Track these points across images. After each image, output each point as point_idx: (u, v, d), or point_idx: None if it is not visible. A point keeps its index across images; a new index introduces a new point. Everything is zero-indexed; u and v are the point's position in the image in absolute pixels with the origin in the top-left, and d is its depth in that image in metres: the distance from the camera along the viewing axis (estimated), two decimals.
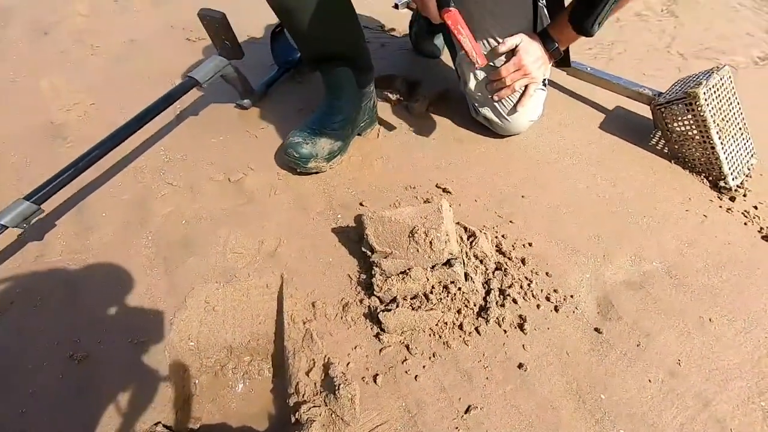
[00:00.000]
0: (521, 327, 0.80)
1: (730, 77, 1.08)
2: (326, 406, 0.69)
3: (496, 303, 0.82)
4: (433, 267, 0.79)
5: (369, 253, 0.84)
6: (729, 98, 1.07)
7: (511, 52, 1.00)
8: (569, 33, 0.96)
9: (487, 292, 0.83)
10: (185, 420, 0.73)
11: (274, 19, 1.24)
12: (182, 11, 1.70)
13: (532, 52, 0.99)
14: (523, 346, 0.78)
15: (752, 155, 1.11)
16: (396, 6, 1.67)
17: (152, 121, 1.10)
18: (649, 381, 0.74)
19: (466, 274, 0.83)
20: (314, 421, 0.66)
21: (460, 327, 0.79)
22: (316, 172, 1.07)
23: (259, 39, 1.57)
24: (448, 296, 0.80)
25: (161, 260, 0.90)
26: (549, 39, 1.00)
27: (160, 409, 0.72)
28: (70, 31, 1.62)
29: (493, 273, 0.87)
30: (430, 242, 0.79)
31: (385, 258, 0.81)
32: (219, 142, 1.17)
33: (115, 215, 0.99)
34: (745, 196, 1.05)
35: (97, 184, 1.05)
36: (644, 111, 1.22)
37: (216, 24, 1.07)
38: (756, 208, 1.03)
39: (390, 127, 1.21)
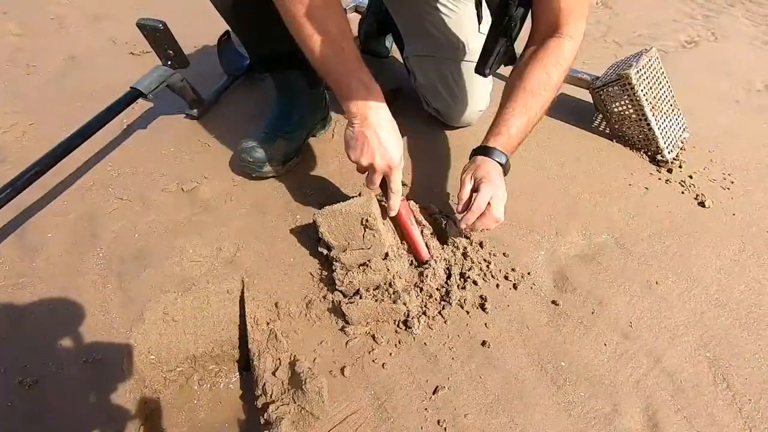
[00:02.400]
0: (482, 307, 0.82)
1: (657, 58, 1.16)
2: (295, 402, 0.68)
3: (458, 286, 0.84)
4: (386, 256, 0.80)
5: (327, 251, 0.85)
6: (658, 78, 1.15)
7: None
8: (510, 138, 0.86)
9: (448, 276, 0.85)
10: None
11: (219, 28, 1.24)
12: (124, 25, 1.65)
13: (495, 196, 0.82)
14: (486, 324, 0.80)
15: (684, 130, 1.19)
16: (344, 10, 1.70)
17: (98, 137, 1.07)
18: (605, 345, 0.77)
19: (426, 261, 0.85)
20: (283, 418, 0.66)
21: (424, 313, 0.80)
22: (273, 176, 1.06)
23: (206, 48, 1.55)
24: (412, 287, 0.82)
25: (114, 276, 0.87)
26: (498, 153, 0.85)
27: (120, 427, 0.69)
28: (2, 51, 1.54)
29: (454, 258, 0.89)
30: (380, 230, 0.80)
31: (344, 251, 0.81)
32: (170, 153, 1.14)
33: (61, 235, 0.95)
34: (680, 167, 1.13)
35: (40, 204, 1.00)
36: (585, 96, 1.29)
37: (157, 33, 1.05)
38: (691, 177, 1.10)
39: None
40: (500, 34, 0.85)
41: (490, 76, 1.14)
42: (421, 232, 0.88)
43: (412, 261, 0.87)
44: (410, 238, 0.87)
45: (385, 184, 0.82)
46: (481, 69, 0.92)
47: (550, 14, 0.84)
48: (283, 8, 0.73)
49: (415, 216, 0.89)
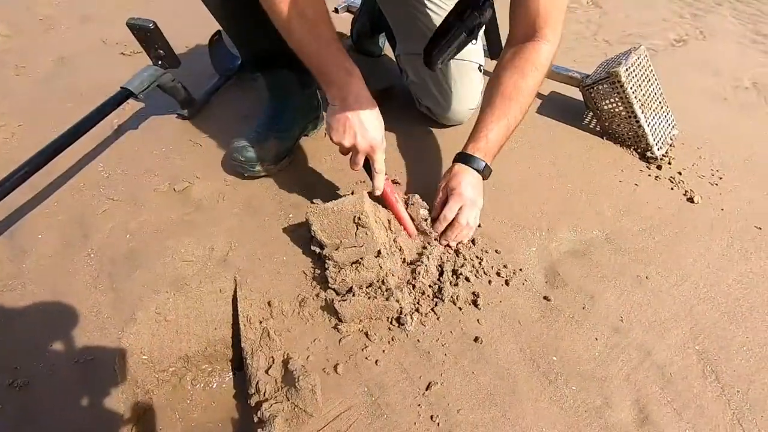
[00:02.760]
0: (475, 303, 0.82)
1: (646, 56, 1.17)
2: (288, 400, 0.68)
3: (450, 283, 0.84)
4: (378, 254, 0.80)
5: (319, 250, 0.85)
6: (647, 75, 1.16)
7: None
8: (489, 143, 0.89)
9: (441, 273, 0.86)
10: None
11: (210, 28, 1.23)
12: (114, 26, 1.64)
13: (464, 206, 0.87)
14: (478, 320, 0.80)
15: (673, 126, 1.20)
16: (336, 10, 1.70)
17: (89, 138, 1.07)
18: (596, 339, 0.78)
19: (419, 255, 0.85)
20: (276, 416, 0.66)
21: (417, 310, 0.81)
22: (265, 176, 1.06)
23: (198, 48, 1.54)
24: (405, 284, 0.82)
25: (106, 276, 0.87)
26: (475, 160, 0.88)
27: (113, 428, 0.68)
28: None
29: (446, 254, 0.89)
30: (373, 228, 0.80)
31: (336, 249, 0.81)
32: (161, 153, 1.14)
33: (52, 236, 0.94)
34: (670, 164, 1.14)
35: (30, 205, 1.00)
36: (576, 94, 1.30)
37: (147, 33, 1.04)
38: (680, 173, 1.11)
39: None
40: (465, 31, 0.83)
41: (481, 74, 1.15)
42: (410, 211, 0.91)
43: (404, 258, 0.87)
44: (397, 215, 0.88)
45: (368, 165, 0.83)
46: (430, 60, 0.88)
47: (528, 18, 0.85)
48: None
49: (399, 194, 0.90)
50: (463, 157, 0.89)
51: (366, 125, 0.78)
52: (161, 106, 1.24)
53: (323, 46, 0.75)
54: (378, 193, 0.86)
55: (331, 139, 0.81)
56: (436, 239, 0.90)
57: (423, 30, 1.08)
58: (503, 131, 0.89)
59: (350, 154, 0.83)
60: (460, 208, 0.87)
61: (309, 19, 0.72)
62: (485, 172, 0.89)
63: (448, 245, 0.90)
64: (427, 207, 0.93)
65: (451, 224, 0.88)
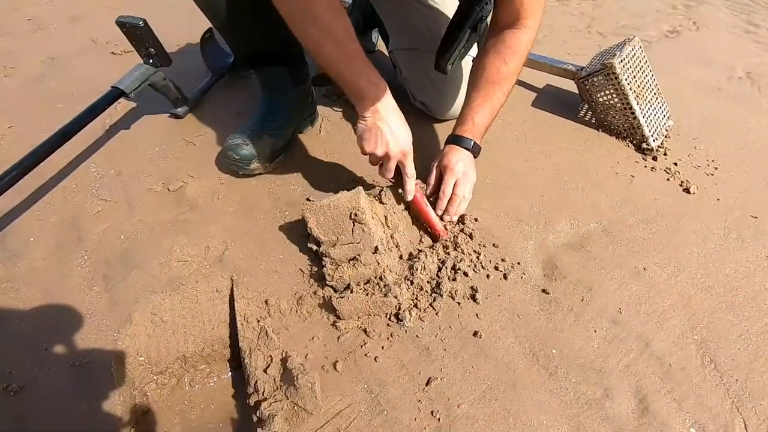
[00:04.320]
0: (473, 297, 0.82)
1: (640, 47, 1.17)
2: (287, 399, 0.68)
3: (448, 278, 0.84)
4: (375, 251, 0.79)
5: (316, 247, 0.84)
6: (642, 66, 1.16)
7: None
8: (476, 125, 0.94)
9: (439, 269, 0.85)
10: None
11: (201, 26, 1.22)
12: (104, 25, 1.62)
13: (459, 181, 0.92)
14: (477, 315, 0.80)
15: (668, 117, 1.20)
16: None
17: (80, 139, 1.05)
18: (595, 331, 0.78)
19: (419, 251, 0.85)
20: (276, 415, 0.65)
21: (415, 305, 0.80)
22: (260, 173, 1.05)
23: (189, 46, 1.53)
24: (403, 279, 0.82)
25: (100, 278, 0.86)
26: (464, 140, 0.93)
27: (112, 430, 0.68)
28: None
29: (444, 250, 0.89)
30: (370, 224, 0.80)
31: (333, 246, 0.80)
32: (155, 152, 1.13)
33: (44, 239, 0.93)
34: (665, 155, 1.14)
35: (21, 208, 0.98)
36: (571, 87, 1.29)
37: (137, 31, 1.03)
38: (676, 164, 1.11)
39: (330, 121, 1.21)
40: (469, 27, 0.88)
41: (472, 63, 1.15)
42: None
43: (401, 255, 0.87)
44: (427, 218, 0.91)
45: (398, 171, 0.86)
46: (441, 64, 0.95)
47: (512, 8, 0.90)
48: (288, 14, 0.74)
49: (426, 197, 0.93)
50: (453, 138, 0.95)
51: (397, 133, 0.81)
52: (153, 105, 1.23)
53: (353, 63, 0.77)
54: (410, 197, 0.89)
55: (363, 150, 0.83)
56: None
57: (415, 25, 1.07)
58: (488, 114, 0.95)
59: (380, 163, 0.86)
60: (456, 182, 0.91)
61: (337, 39, 0.74)
62: (474, 150, 0.94)
63: (446, 234, 0.92)
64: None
65: (450, 199, 0.92)
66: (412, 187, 0.88)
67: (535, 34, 0.93)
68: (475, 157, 0.95)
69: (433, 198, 0.94)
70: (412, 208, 0.93)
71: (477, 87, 0.95)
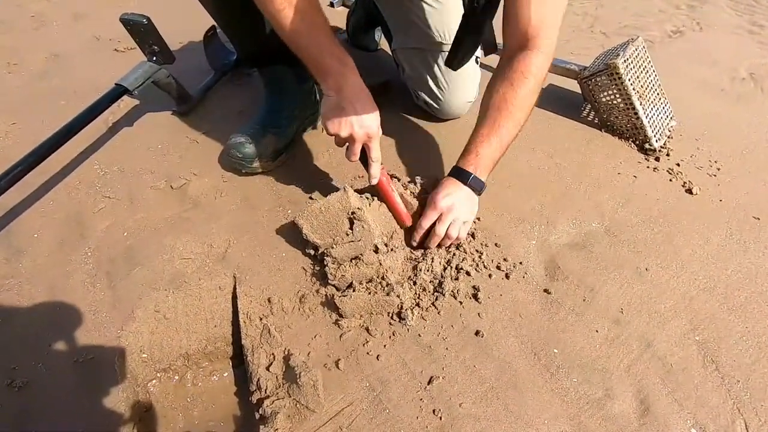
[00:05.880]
0: (475, 297, 0.82)
1: (644, 47, 1.17)
2: (290, 396, 0.68)
3: (451, 277, 0.84)
4: (376, 249, 0.80)
5: (314, 252, 0.84)
6: (645, 67, 1.16)
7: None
8: (480, 157, 0.87)
9: (443, 269, 0.85)
10: None
11: (204, 24, 1.22)
12: (107, 22, 1.62)
13: (452, 223, 0.85)
14: (479, 314, 0.80)
15: (671, 118, 1.20)
16: (331, 4, 1.69)
17: (84, 136, 1.06)
18: (596, 331, 0.78)
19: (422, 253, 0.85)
20: (278, 413, 0.66)
21: (418, 304, 0.81)
22: (262, 172, 1.05)
23: (192, 44, 1.53)
24: (405, 279, 0.82)
25: (103, 275, 0.86)
26: (466, 174, 0.86)
27: (114, 427, 0.68)
28: None
29: (446, 249, 0.89)
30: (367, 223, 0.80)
31: (333, 247, 0.81)
32: (158, 150, 1.13)
33: (48, 235, 0.93)
34: (668, 155, 1.14)
35: (25, 205, 0.99)
36: (574, 87, 1.29)
37: (141, 28, 1.03)
38: (678, 165, 1.11)
39: None
40: (470, 27, 0.85)
41: (478, 67, 1.15)
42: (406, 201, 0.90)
43: (405, 255, 0.87)
44: (392, 204, 0.87)
45: (364, 155, 0.83)
46: (450, 62, 0.94)
47: (520, 26, 0.83)
48: None
49: (394, 184, 0.90)
50: (452, 170, 0.89)
51: (362, 114, 0.77)
52: (157, 102, 1.23)
53: (316, 36, 0.74)
54: (374, 182, 0.85)
55: (327, 130, 0.80)
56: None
57: (418, 24, 1.07)
58: (495, 145, 0.86)
59: (347, 145, 0.83)
60: (439, 218, 0.84)
61: (300, 9, 0.71)
62: (474, 184, 0.86)
63: (410, 222, 0.89)
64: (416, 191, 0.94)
65: (429, 234, 0.86)
66: (377, 171, 0.83)
67: (549, 57, 0.86)
68: (477, 194, 0.88)
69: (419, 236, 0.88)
70: (378, 195, 0.88)
71: (484, 115, 0.88)
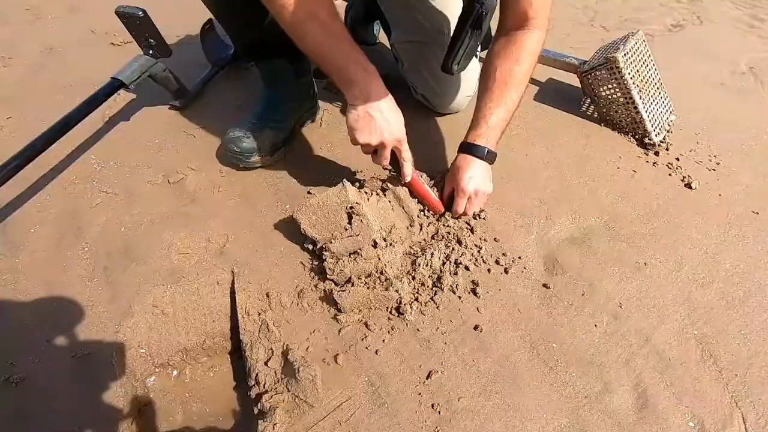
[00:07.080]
0: (474, 291, 0.82)
1: (644, 41, 1.16)
2: (288, 391, 0.68)
3: (450, 272, 0.84)
4: (375, 244, 0.79)
5: (312, 247, 0.84)
6: (645, 61, 1.15)
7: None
8: (491, 128, 0.89)
9: (443, 264, 0.85)
10: (144, 430, 0.70)
11: (201, 16, 1.21)
12: (103, 15, 1.60)
13: (471, 198, 0.90)
14: (478, 309, 0.80)
15: (671, 112, 1.20)
16: None
17: (80, 130, 1.05)
18: (595, 326, 0.78)
19: (421, 249, 0.85)
20: (277, 408, 0.66)
21: (416, 299, 0.80)
22: (260, 166, 1.05)
23: (189, 37, 1.51)
24: (404, 273, 0.82)
25: (101, 270, 0.85)
26: (478, 148, 0.89)
27: (112, 423, 0.68)
28: None
29: (445, 244, 0.89)
30: (366, 217, 0.80)
31: (332, 242, 0.80)
32: (155, 144, 1.12)
33: (45, 230, 0.93)
34: (667, 150, 1.13)
35: (21, 200, 0.98)
36: (573, 81, 1.28)
37: (137, 21, 1.02)
38: (678, 159, 1.11)
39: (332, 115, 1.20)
40: (472, 25, 0.84)
41: (477, 60, 1.14)
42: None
43: (403, 249, 0.87)
44: (428, 199, 0.90)
45: (394, 157, 0.84)
46: (447, 65, 0.91)
47: (520, 9, 0.87)
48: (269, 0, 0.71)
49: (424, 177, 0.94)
50: (466, 147, 0.90)
51: (390, 120, 0.78)
52: (153, 96, 1.22)
53: (338, 46, 0.74)
54: (408, 180, 0.87)
55: (356, 140, 0.80)
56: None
57: (417, 18, 1.06)
58: (503, 116, 0.89)
59: (376, 151, 0.83)
60: (468, 200, 0.89)
61: (322, 20, 0.71)
62: (489, 157, 0.89)
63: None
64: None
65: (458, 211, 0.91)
66: (410, 170, 0.85)
67: (544, 34, 0.90)
68: (491, 164, 0.91)
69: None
70: (411, 190, 0.90)
71: (489, 89, 0.90)
